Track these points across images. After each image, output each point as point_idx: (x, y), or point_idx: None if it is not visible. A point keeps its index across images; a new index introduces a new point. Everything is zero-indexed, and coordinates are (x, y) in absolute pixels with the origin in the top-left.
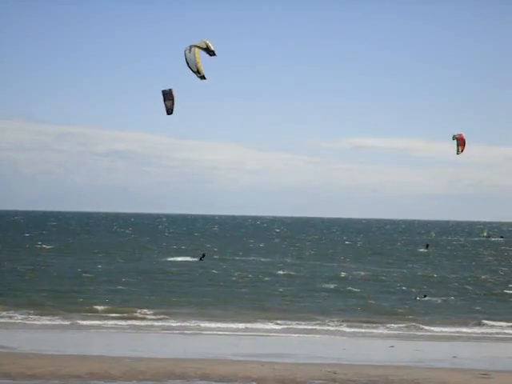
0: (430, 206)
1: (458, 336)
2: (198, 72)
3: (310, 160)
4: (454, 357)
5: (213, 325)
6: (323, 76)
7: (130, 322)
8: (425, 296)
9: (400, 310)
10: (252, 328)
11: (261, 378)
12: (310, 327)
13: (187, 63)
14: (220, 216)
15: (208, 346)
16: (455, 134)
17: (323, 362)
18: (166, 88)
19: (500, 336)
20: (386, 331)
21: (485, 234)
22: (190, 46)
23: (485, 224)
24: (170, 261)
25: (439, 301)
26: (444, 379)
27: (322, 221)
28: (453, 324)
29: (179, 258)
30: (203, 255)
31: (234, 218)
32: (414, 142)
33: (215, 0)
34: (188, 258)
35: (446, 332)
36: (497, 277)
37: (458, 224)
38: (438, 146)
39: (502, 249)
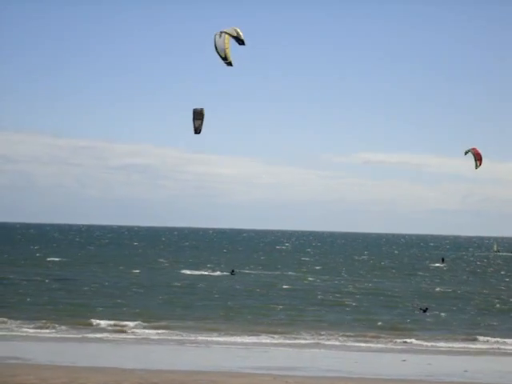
0: (443, 221)
1: (466, 351)
2: (225, 58)
3: (323, 175)
4: (465, 371)
5: (222, 338)
6: (336, 91)
7: (139, 336)
8: (426, 310)
9: (402, 325)
10: (261, 342)
11: None
12: (316, 341)
13: (215, 48)
14: (232, 229)
15: (219, 359)
16: (468, 148)
17: (335, 375)
18: (198, 107)
19: (508, 351)
20: (390, 345)
21: (495, 249)
22: (221, 32)
23: (495, 239)
24: (199, 274)
25: (442, 315)
26: None
27: (333, 235)
28: (458, 339)
29: (208, 273)
30: (233, 270)
31: (245, 231)
32: (427, 158)
33: (220, 6)
34: (218, 273)
35: (454, 347)
36: (502, 292)
37: (469, 239)
38: (450, 162)
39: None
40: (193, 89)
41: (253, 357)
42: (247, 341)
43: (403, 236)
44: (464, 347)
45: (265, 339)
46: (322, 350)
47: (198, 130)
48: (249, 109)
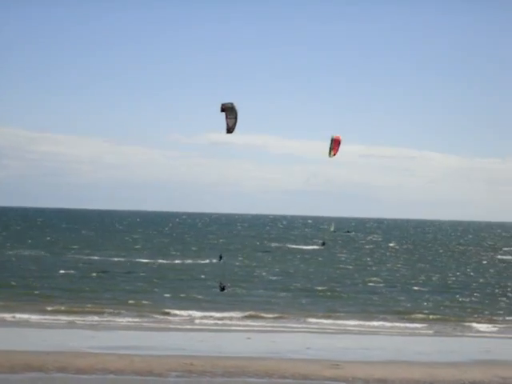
0: (288, 201)
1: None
2: None
3: (170, 155)
4: (308, 348)
5: (71, 318)
6: (182, 71)
7: None
8: (223, 288)
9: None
10: (110, 321)
11: (118, 370)
12: (161, 318)
13: None
14: (78, 210)
15: (66, 339)
16: (333, 135)
17: (181, 353)
18: (227, 102)
19: (344, 328)
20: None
21: (332, 229)
22: None
23: (333, 219)
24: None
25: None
26: (297, 369)
27: (186, 215)
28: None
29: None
30: (220, 257)
31: (91, 212)
32: (272, 139)
33: None
34: (207, 261)
35: (294, 326)
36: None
37: (315, 219)
38: (295, 144)
39: (351, 243)
40: (42, 68)
41: (101, 336)
42: (98, 320)
43: (252, 216)
44: (303, 326)
45: (115, 318)
46: (172, 329)
47: (231, 130)
48: (96, 88)
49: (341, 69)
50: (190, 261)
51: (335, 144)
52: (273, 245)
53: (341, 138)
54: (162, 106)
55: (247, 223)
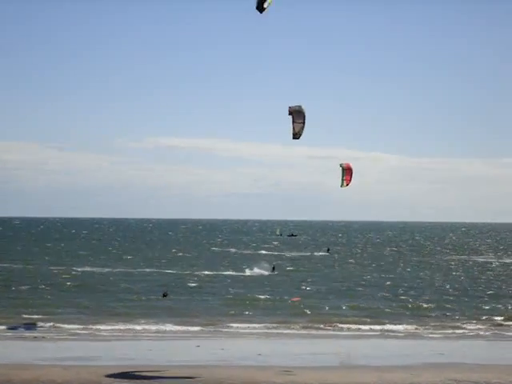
0: (237, 204)
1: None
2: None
3: (116, 160)
4: (259, 354)
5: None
6: (127, 74)
7: None
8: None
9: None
10: (55, 331)
11: (65, 382)
12: (112, 328)
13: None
14: (22, 218)
15: (10, 351)
16: (343, 163)
17: (129, 363)
18: (296, 104)
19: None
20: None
21: (277, 233)
22: None
23: (279, 223)
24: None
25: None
26: (248, 377)
27: (134, 221)
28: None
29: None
30: (274, 267)
31: (35, 220)
32: (220, 142)
33: None
34: (256, 270)
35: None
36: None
37: (263, 223)
38: (242, 147)
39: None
40: None
41: (46, 348)
42: (42, 330)
43: (196, 221)
44: (258, 332)
45: (60, 328)
46: (121, 338)
47: (297, 136)
48: (38, 93)
49: (288, 70)
50: (231, 272)
51: (347, 173)
52: (276, 253)
53: (351, 165)
54: (107, 111)
55: (221, 230)
